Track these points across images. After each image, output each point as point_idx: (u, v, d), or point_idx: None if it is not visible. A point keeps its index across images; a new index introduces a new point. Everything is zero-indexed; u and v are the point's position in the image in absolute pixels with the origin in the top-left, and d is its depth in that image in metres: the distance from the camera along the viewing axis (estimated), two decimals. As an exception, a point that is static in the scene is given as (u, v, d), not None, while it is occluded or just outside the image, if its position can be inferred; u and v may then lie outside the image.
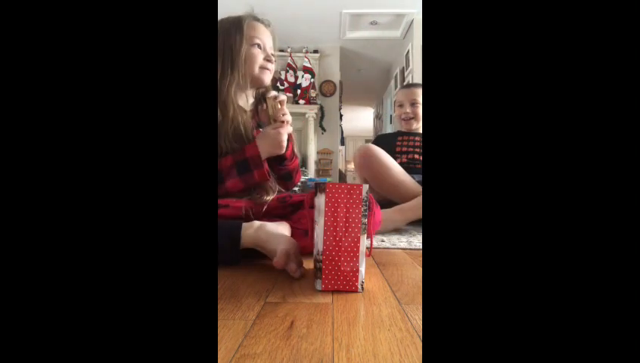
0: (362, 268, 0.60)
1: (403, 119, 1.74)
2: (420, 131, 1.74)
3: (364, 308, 0.52)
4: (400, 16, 3.58)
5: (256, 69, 0.96)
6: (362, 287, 0.60)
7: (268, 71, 0.98)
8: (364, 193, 0.60)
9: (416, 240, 1.10)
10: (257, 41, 0.96)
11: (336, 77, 4.36)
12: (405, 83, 1.82)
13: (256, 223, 0.78)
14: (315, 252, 0.61)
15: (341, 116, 4.86)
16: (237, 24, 0.96)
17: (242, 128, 0.91)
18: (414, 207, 1.25)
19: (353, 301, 0.55)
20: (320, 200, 0.60)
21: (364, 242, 0.60)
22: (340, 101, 4.69)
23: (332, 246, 0.59)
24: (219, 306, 0.52)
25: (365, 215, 0.60)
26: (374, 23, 3.76)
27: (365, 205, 0.60)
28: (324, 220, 0.59)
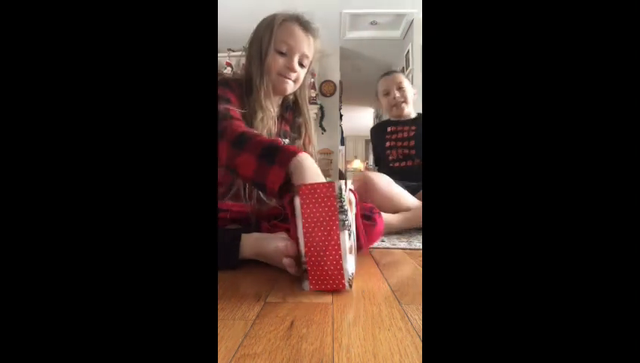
0: (348, 266, 0.59)
1: (394, 106, 1.67)
2: (412, 116, 1.68)
3: (364, 308, 0.52)
4: (400, 16, 3.57)
5: (274, 76, 0.90)
6: (350, 285, 0.59)
7: (286, 80, 0.90)
8: (336, 190, 0.58)
9: (416, 241, 1.10)
10: (283, 47, 0.88)
11: (336, 77, 4.35)
12: (383, 73, 1.74)
13: (255, 234, 0.77)
14: (301, 255, 0.60)
15: (341, 116, 4.85)
16: (268, 24, 0.89)
17: (267, 134, 0.88)
18: (419, 217, 1.24)
19: (353, 301, 0.55)
20: (296, 203, 0.60)
21: (345, 239, 0.58)
22: (340, 101, 4.69)
23: (313, 246, 0.59)
24: (219, 306, 0.52)
25: (342, 211, 0.58)
26: (374, 23, 3.75)
27: (340, 201, 0.58)
28: (302, 222, 0.59)
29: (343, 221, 0.58)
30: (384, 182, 1.29)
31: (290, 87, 0.93)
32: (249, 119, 0.86)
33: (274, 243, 0.72)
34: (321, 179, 0.64)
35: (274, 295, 0.58)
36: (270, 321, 0.47)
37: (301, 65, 0.91)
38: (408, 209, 1.27)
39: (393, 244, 1.04)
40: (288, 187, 0.67)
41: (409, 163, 1.59)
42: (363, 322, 0.47)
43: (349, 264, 0.60)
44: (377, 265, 0.80)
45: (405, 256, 0.90)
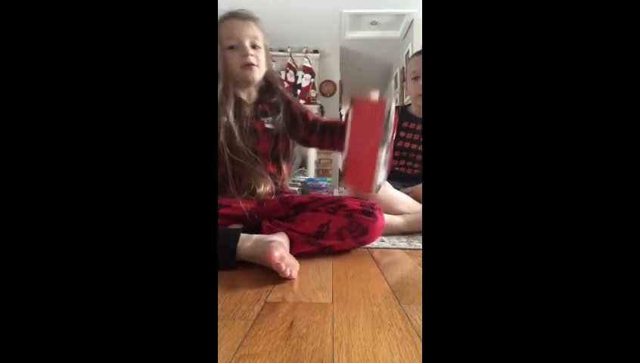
0: (380, 176, 0.68)
1: (420, 95, 1.40)
2: None
3: (364, 308, 0.52)
4: (400, 16, 3.58)
5: (238, 71, 0.93)
6: (377, 191, 0.69)
7: (251, 67, 0.93)
8: (386, 111, 0.65)
9: (416, 241, 1.10)
10: (231, 42, 0.93)
11: (336, 77, 4.36)
12: (418, 50, 1.46)
13: (253, 237, 0.77)
14: (342, 160, 0.70)
15: (341, 116, 4.86)
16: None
17: (244, 119, 0.95)
18: (419, 221, 1.23)
19: (353, 301, 0.55)
20: (349, 114, 0.69)
21: (382, 154, 0.67)
22: (340, 101, 4.69)
23: (354, 153, 0.68)
24: (219, 306, 0.52)
25: (387, 129, 0.66)
26: (374, 23, 3.75)
27: (387, 120, 0.65)
28: (350, 131, 0.68)
29: (386, 137, 0.67)
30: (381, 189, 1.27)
31: (257, 73, 0.96)
32: (221, 107, 0.92)
33: (263, 248, 0.72)
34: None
35: (274, 295, 0.58)
36: (270, 321, 0.47)
37: (254, 47, 0.95)
38: (407, 211, 1.26)
39: (393, 244, 1.04)
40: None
41: (416, 172, 1.46)
42: (363, 322, 0.47)
43: (381, 175, 0.68)
44: (377, 265, 0.80)
45: (405, 256, 0.90)
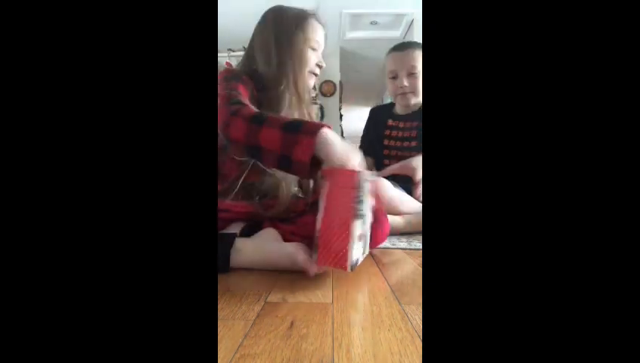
0: (354, 251, 0.61)
1: (400, 95, 1.37)
2: (416, 108, 1.38)
3: (364, 308, 0.52)
4: (400, 16, 3.57)
5: (305, 74, 0.93)
6: (352, 269, 0.62)
7: (314, 77, 0.95)
8: (357, 181, 0.61)
9: (416, 241, 1.10)
10: (315, 44, 0.93)
11: (336, 77, 4.35)
12: (395, 44, 1.36)
13: (255, 241, 0.75)
14: (315, 230, 0.64)
15: (341, 116, 4.85)
16: (300, 19, 0.93)
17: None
18: (419, 221, 1.22)
19: (353, 301, 0.55)
20: (323, 187, 0.63)
21: (356, 226, 0.61)
22: (340, 101, 4.69)
23: (327, 227, 0.62)
24: (219, 306, 0.52)
25: (359, 201, 0.61)
26: (374, 23, 3.75)
27: (359, 191, 0.61)
28: (324, 204, 0.62)
29: (359, 210, 0.61)
30: (379, 186, 1.26)
31: (312, 83, 0.97)
32: (272, 107, 0.85)
33: (285, 249, 0.71)
34: (351, 153, 0.65)
35: (274, 295, 0.58)
36: (270, 321, 0.47)
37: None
38: (408, 212, 1.25)
39: (393, 244, 1.04)
40: (318, 163, 0.64)
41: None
42: (363, 322, 0.47)
43: (356, 250, 0.62)
44: (377, 265, 0.80)
45: (405, 256, 0.90)
